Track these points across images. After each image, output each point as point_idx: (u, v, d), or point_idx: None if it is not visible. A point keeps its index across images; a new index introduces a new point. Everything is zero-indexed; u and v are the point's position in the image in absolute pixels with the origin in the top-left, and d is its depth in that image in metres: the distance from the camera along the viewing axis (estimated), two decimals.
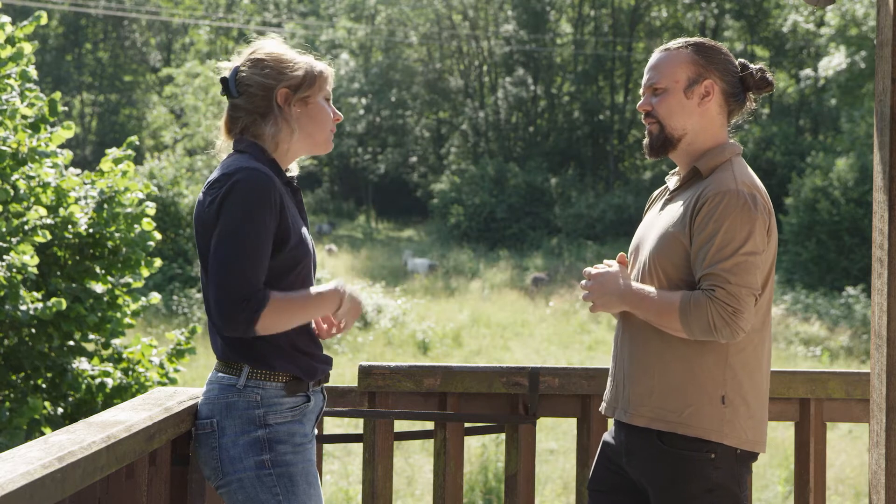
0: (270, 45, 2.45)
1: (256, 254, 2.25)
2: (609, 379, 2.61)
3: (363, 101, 40.09)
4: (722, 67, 2.50)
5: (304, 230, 2.42)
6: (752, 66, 2.54)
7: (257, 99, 2.39)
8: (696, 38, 2.55)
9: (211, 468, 2.36)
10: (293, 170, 2.52)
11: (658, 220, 2.53)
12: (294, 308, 2.31)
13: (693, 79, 2.48)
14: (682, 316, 2.34)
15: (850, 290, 19.44)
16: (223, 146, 2.48)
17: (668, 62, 2.51)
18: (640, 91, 2.59)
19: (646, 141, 2.56)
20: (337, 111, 2.49)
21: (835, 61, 26.33)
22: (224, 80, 2.42)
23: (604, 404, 2.61)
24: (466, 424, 3.06)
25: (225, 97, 2.46)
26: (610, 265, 2.54)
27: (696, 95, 2.48)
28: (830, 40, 27.43)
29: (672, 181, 2.60)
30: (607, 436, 2.62)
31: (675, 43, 2.54)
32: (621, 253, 2.59)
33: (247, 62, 2.42)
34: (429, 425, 3.11)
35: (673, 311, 2.35)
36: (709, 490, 2.37)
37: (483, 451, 8.41)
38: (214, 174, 2.34)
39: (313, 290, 2.36)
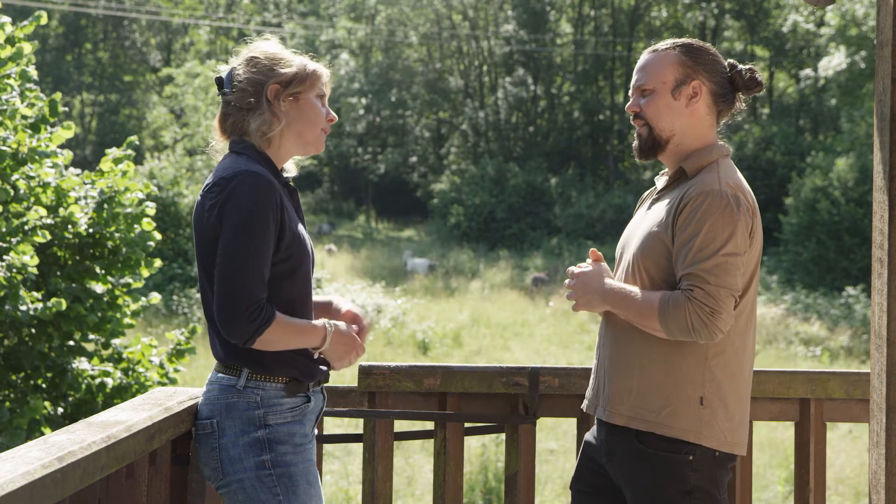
0: (266, 45, 2.47)
1: (261, 262, 2.26)
2: (592, 377, 2.61)
3: (363, 101, 40.08)
4: (710, 68, 2.50)
5: (303, 230, 2.42)
6: (740, 66, 2.53)
7: (247, 94, 2.39)
8: (685, 39, 2.55)
9: (211, 468, 2.37)
10: (290, 170, 2.52)
11: (644, 219, 2.53)
12: (292, 332, 2.33)
13: (680, 80, 2.48)
14: (661, 316, 2.34)
15: (850, 290, 19.44)
16: (218, 146, 2.49)
17: (656, 63, 2.51)
18: (629, 92, 2.59)
19: (635, 143, 2.57)
20: (331, 112, 2.49)
21: (835, 61, 26.34)
22: (219, 79, 2.44)
23: (586, 401, 2.61)
24: (466, 424, 3.06)
25: (220, 98, 2.47)
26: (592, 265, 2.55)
27: (684, 96, 2.48)
28: (830, 40, 27.43)
29: (661, 181, 2.61)
30: (589, 435, 2.62)
31: (663, 44, 2.55)
32: (593, 249, 2.59)
33: (242, 62, 2.44)
34: (429, 425, 3.11)
35: (652, 311, 2.35)
36: (687, 492, 2.37)
37: (483, 451, 8.41)
38: (212, 177, 2.34)
39: (309, 323, 2.38)
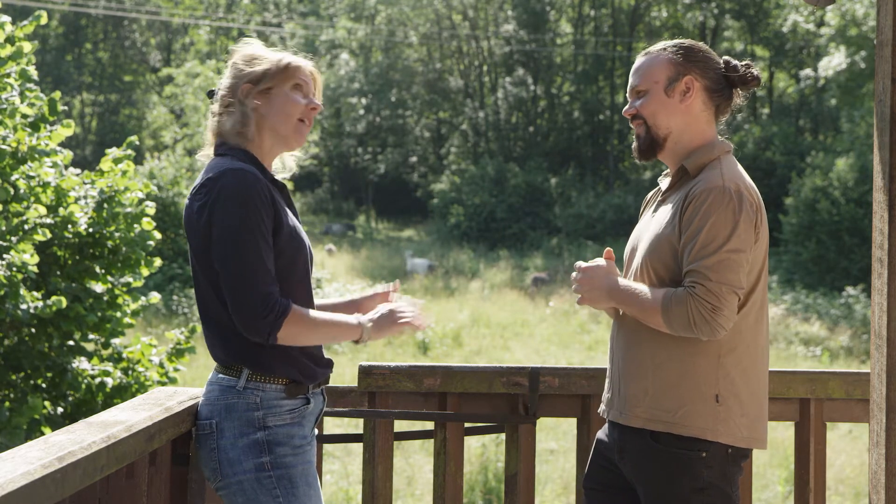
0: (245, 49, 2.49)
1: (262, 255, 2.27)
2: (606, 380, 2.62)
3: (363, 101, 40.06)
4: (702, 64, 2.53)
5: (297, 224, 2.43)
6: (735, 61, 2.55)
7: (225, 99, 2.44)
8: (677, 40, 2.59)
9: (210, 469, 2.37)
10: (290, 167, 2.53)
11: (651, 222, 2.55)
12: (317, 326, 2.33)
13: (672, 77, 2.51)
14: (663, 312, 2.35)
15: (850, 290, 19.44)
16: (207, 150, 2.51)
17: (648, 65, 2.55)
18: (627, 96, 2.61)
19: (634, 145, 2.59)
20: (314, 100, 2.46)
21: (835, 61, 26.35)
22: (210, 92, 2.50)
23: (602, 406, 2.61)
24: (466, 424, 3.06)
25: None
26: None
27: (677, 93, 2.51)
28: (830, 40, 27.43)
29: (664, 182, 2.62)
30: (601, 433, 2.63)
31: (654, 47, 2.60)
32: (608, 248, 2.61)
33: (226, 69, 2.47)
34: (429, 425, 3.11)
35: (655, 306, 2.37)
36: (700, 489, 2.38)
37: (483, 451, 8.40)
38: (200, 179, 2.35)
39: (339, 317, 2.38)
